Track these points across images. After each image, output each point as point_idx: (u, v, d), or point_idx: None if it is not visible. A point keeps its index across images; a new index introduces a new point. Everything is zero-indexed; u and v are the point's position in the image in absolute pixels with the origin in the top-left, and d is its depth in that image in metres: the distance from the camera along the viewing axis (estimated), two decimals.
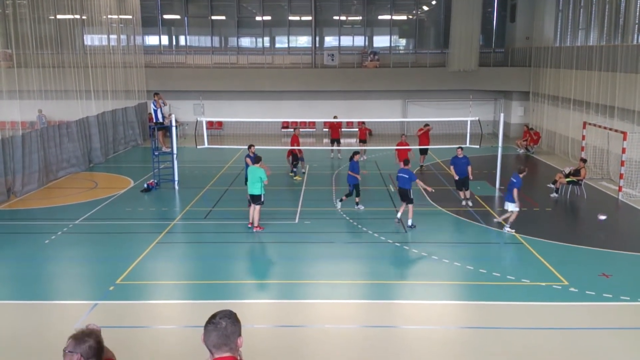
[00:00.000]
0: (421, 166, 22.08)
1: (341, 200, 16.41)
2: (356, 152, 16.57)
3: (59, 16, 23.13)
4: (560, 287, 10.90)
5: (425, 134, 21.82)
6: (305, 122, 30.79)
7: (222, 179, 20.50)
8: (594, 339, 9.08)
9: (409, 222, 14.77)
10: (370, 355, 8.56)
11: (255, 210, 14.37)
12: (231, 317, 3.65)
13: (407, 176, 14.93)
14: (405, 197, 15.01)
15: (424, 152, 22.11)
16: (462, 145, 17.46)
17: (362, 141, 24.05)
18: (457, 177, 16.73)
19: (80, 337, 3.87)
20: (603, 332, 9.28)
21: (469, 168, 16.65)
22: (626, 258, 12.69)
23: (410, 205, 14.91)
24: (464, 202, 16.88)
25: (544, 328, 9.34)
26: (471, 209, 16.43)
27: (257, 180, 14.21)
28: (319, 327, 9.61)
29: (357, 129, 25.62)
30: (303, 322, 9.76)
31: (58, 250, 13.22)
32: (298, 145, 20.72)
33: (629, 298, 10.37)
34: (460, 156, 16.77)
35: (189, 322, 9.59)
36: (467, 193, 16.93)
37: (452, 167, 16.87)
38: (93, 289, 10.98)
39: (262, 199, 14.34)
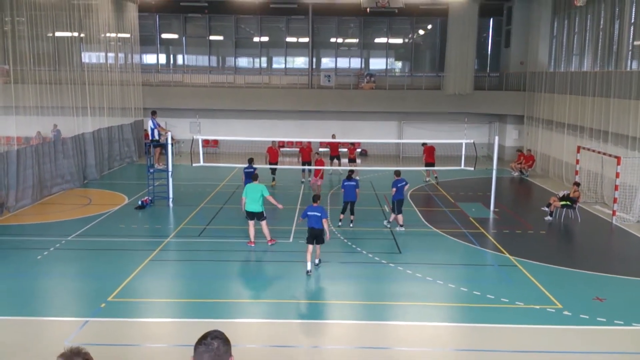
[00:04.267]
0: (436, 177, 24.06)
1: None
2: (351, 171, 17.27)
3: (57, 34, 23.24)
4: (554, 310, 10.87)
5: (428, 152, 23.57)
6: (301, 142, 30.89)
7: (217, 197, 20.47)
8: None
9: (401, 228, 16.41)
10: None
11: (263, 226, 14.63)
12: (222, 338, 3.59)
13: (404, 183, 16.53)
14: (400, 207, 16.34)
15: (430, 166, 23.47)
16: (455, 168, 17.57)
17: (351, 160, 24.61)
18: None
19: (68, 356, 3.81)
20: (596, 357, 9.23)
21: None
22: (620, 282, 12.69)
23: (400, 216, 16.40)
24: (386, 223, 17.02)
25: (538, 351, 9.29)
26: (466, 231, 16.43)
27: (259, 197, 14.42)
28: (311, 347, 9.53)
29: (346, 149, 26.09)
30: (296, 342, 9.68)
31: (50, 266, 13.11)
32: (308, 159, 22.53)
33: (622, 322, 10.34)
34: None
35: (180, 341, 9.48)
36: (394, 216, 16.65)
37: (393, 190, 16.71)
38: (84, 305, 10.87)
39: (264, 214, 14.63)
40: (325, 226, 12.78)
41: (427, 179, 24.19)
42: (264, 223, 14.61)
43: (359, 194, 16.66)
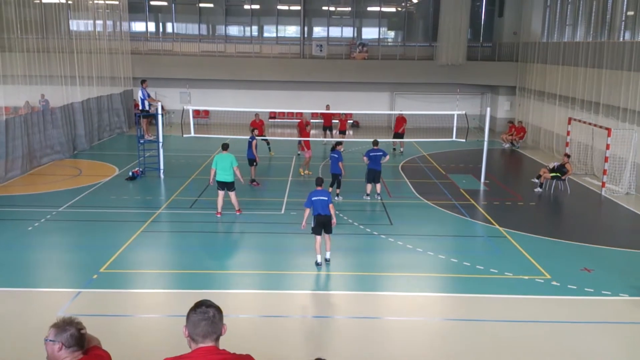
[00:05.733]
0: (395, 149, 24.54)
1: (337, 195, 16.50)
2: (339, 143, 16.99)
3: (44, 0, 22.80)
4: (542, 281, 11.02)
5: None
6: (292, 113, 30.75)
7: (208, 168, 20.25)
8: (575, 333, 9.20)
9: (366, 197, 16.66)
10: (354, 346, 8.60)
11: (232, 197, 14.66)
12: (215, 306, 3.68)
13: (380, 153, 16.33)
14: (378, 177, 16.33)
15: (399, 137, 23.81)
16: (447, 139, 17.59)
17: (342, 132, 25.02)
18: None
19: (61, 326, 3.85)
20: (584, 326, 9.41)
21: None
22: (608, 253, 12.86)
23: (378, 185, 16.48)
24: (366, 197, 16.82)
25: (526, 321, 9.45)
26: (456, 203, 16.52)
27: (230, 167, 14.46)
28: (302, 317, 9.64)
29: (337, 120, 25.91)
30: (287, 312, 9.78)
31: (41, 237, 13.09)
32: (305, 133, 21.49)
33: (610, 293, 10.51)
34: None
35: (172, 312, 9.56)
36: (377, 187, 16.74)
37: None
38: (76, 277, 10.90)
39: (234, 185, 14.73)
40: (332, 212, 11.34)
41: (402, 150, 24.54)
42: (233, 194, 14.65)
43: (343, 167, 16.31)
